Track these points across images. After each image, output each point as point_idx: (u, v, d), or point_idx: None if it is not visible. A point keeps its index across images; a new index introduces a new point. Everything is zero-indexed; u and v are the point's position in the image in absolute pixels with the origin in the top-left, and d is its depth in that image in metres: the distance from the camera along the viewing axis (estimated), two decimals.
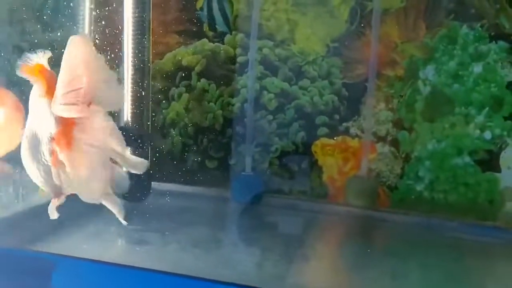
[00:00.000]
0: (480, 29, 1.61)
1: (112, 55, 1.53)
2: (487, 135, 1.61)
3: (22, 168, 1.37)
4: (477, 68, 1.61)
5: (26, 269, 1.06)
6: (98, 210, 0.98)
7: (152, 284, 1.05)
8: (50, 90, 0.85)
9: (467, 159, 1.63)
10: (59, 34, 1.50)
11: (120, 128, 1.77)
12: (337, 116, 1.73)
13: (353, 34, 1.71)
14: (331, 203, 1.72)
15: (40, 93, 0.86)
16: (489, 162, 1.62)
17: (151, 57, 1.61)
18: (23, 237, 1.22)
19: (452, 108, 1.63)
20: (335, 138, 1.73)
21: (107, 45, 1.54)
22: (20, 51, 1.40)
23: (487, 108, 1.60)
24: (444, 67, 1.64)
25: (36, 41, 1.51)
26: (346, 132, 1.73)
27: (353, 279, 1.26)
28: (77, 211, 1.17)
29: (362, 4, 1.70)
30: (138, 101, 1.61)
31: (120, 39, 1.55)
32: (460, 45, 1.63)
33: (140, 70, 1.59)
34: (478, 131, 1.62)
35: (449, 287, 1.22)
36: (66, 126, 0.86)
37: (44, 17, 1.51)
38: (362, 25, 1.70)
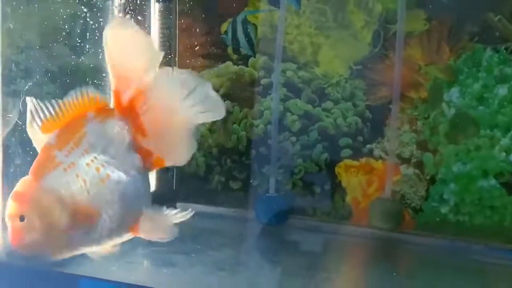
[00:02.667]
0: (504, 51, 1.61)
1: None
2: None
3: None
4: (502, 90, 1.61)
5: None
6: None
7: None
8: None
9: (493, 181, 1.62)
10: (86, 58, 1.53)
11: None
12: (360, 138, 1.74)
13: (376, 56, 1.72)
14: (355, 225, 1.72)
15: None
16: None
17: None
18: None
19: (477, 130, 1.63)
20: (359, 160, 1.73)
21: None
22: (49, 73, 1.43)
23: None
24: (469, 89, 1.64)
25: (64, 64, 1.55)
26: (370, 154, 1.73)
27: None
28: None
29: (385, 27, 1.71)
30: None
31: None
32: (484, 67, 1.63)
33: None
34: (503, 154, 1.61)
35: None
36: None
37: (72, 41, 1.55)
38: (385, 47, 1.71)
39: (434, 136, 1.67)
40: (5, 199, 1.23)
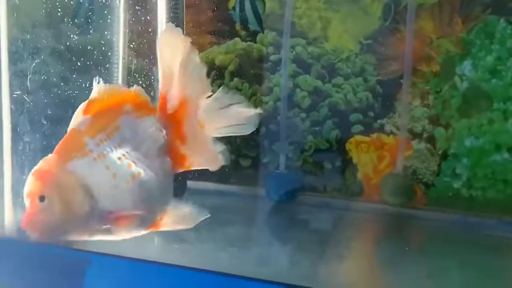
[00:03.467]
0: None
1: (147, 57, 1.55)
2: None
3: None
4: None
5: (61, 266, 1.08)
6: None
7: (188, 282, 1.05)
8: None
9: (506, 155, 1.59)
10: (94, 36, 1.52)
11: None
12: (371, 114, 1.72)
13: (387, 30, 1.70)
14: (366, 201, 1.71)
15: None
16: None
17: None
18: None
19: (490, 103, 1.60)
20: (369, 135, 1.71)
21: (142, 46, 1.56)
22: (56, 53, 1.43)
23: None
24: (481, 62, 1.61)
25: (72, 43, 1.54)
26: (381, 129, 1.71)
27: (389, 277, 1.24)
28: None
29: (395, 0, 1.68)
30: None
31: (154, 40, 1.57)
32: (497, 39, 1.59)
33: None
34: None
35: (487, 286, 1.19)
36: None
37: (79, 20, 1.54)
38: (396, 21, 1.68)
39: (446, 111, 1.65)
40: (15, 177, 1.23)
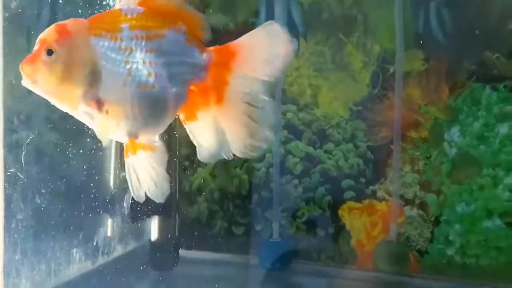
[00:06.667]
0: (503, 89, 1.61)
1: None
2: None
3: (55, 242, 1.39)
4: (503, 129, 1.60)
5: None
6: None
7: None
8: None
9: (498, 221, 1.60)
10: None
11: (148, 197, 1.81)
12: (363, 180, 1.73)
13: (376, 97, 1.73)
14: (360, 268, 1.70)
15: None
16: None
17: (177, 124, 1.64)
18: None
19: (480, 169, 1.62)
20: (362, 201, 1.72)
21: None
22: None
23: None
24: (469, 128, 1.64)
25: None
26: (373, 195, 1.72)
27: None
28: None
29: (383, 68, 1.72)
30: (166, 169, 1.63)
31: None
32: (484, 106, 1.63)
33: (167, 138, 1.62)
34: (507, 193, 1.59)
35: None
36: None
37: None
38: (385, 88, 1.72)
39: (437, 176, 1.66)
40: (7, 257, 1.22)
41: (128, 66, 0.74)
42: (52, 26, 0.74)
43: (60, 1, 1.43)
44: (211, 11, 1.78)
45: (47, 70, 0.73)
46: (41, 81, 0.73)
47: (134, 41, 0.75)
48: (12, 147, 1.31)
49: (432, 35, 1.66)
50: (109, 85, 0.74)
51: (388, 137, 1.71)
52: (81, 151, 1.46)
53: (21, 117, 1.36)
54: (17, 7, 1.34)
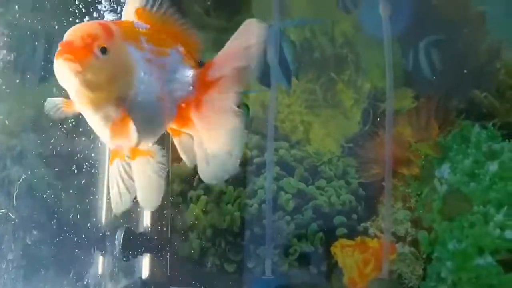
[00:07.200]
0: (492, 127, 1.64)
1: None
2: (508, 234, 1.59)
3: (45, 282, 1.38)
4: (493, 167, 1.62)
5: None
6: None
7: None
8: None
9: (489, 259, 1.60)
10: None
11: (140, 234, 1.80)
12: (355, 216, 1.74)
13: (367, 134, 1.75)
14: None
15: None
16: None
17: (170, 161, 1.64)
18: None
19: (470, 206, 1.63)
20: (354, 238, 1.72)
21: None
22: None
23: (506, 207, 1.59)
24: (460, 165, 1.65)
25: None
26: (365, 232, 1.72)
27: None
28: None
29: (374, 106, 1.74)
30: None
31: None
32: (473, 143, 1.65)
33: None
34: (498, 230, 1.60)
35: None
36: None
37: None
38: (375, 125, 1.74)
39: (428, 213, 1.67)
40: None
41: (147, 77, 0.77)
42: (95, 24, 0.74)
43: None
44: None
45: (98, 67, 0.72)
46: (90, 76, 0.72)
47: (150, 54, 0.78)
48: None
49: (422, 74, 1.69)
50: (138, 93, 0.76)
51: (379, 174, 1.72)
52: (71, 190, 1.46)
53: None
54: None
